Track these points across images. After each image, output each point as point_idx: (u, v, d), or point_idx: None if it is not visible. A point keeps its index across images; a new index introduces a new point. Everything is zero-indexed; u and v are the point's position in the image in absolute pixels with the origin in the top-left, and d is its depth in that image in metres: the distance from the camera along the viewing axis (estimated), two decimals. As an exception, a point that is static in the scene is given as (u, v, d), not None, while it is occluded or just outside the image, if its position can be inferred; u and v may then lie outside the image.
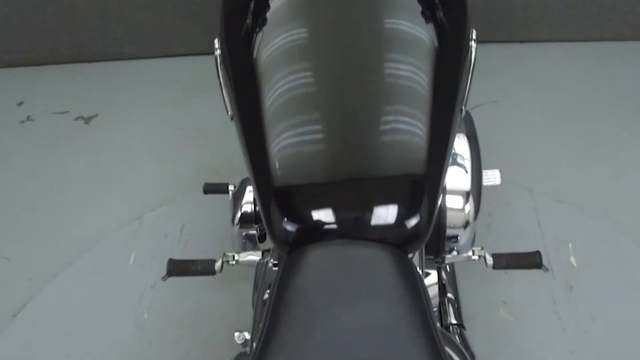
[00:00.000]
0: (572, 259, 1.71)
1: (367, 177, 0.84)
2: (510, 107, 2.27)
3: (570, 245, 1.75)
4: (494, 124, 2.15)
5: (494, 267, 1.20)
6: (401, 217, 0.80)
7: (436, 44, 0.98)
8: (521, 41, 2.63)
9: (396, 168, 0.84)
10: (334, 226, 0.79)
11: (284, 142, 0.86)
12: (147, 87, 2.51)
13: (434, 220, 0.83)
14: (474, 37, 1.01)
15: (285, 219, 0.80)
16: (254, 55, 0.98)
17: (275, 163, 0.84)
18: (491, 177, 1.27)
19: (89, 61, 2.64)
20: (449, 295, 1.33)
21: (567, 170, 1.99)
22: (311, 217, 0.80)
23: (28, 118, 2.37)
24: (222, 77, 1.01)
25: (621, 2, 2.51)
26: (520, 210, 1.86)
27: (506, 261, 1.21)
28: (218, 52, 1.03)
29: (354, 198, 0.81)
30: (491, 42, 2.55)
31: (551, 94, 2.32)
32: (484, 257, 1.20)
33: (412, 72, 0.94)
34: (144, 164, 2.10)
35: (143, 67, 2.62)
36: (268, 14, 1.03)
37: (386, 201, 0.81)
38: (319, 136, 0.87)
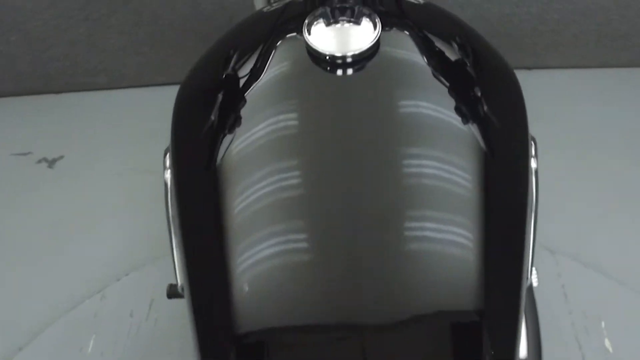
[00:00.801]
0: (607, 342, 1.40)
1: None
2: (521, 145, 1.94)
3: (603, 324, 1.44)
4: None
5: None
6: None
7: (481, 153, 0.66)
8: (529, 68, 2.32)
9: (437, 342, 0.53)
10: None
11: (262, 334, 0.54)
12: (121, 121, 2.17)
13: None
14: (534, 152, 0.69)
15: None
16: (220, 174, 0.65)
17: None
18: None
19: (57, 92, 2.30)
20: None
21: (590, 226, 1.67)
22: None
23: (-16, 160, 2.03)
24: (172, 217, 0.68)
25: (636, 28, 2.21)
26: (543, 277, 1.53)
27: None
28: (168, 174, 0.70)
29: None
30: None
31: (565, 129, 2.00)
32: None
33: (451, 184, 0.62)
34: (112, 218, 1.77)
35: (117, 98, 2.29)
36: (243, 110, 0.69)
37: None
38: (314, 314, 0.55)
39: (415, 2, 0.83)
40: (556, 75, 2.26)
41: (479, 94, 0.69)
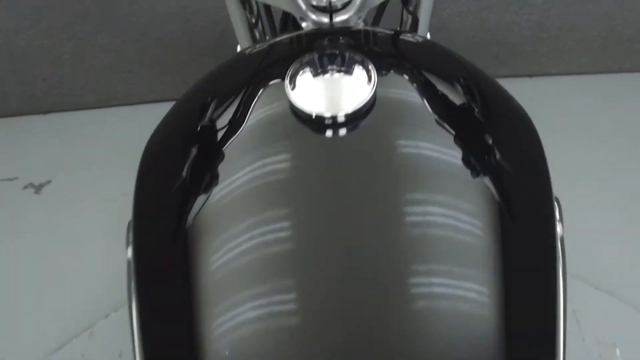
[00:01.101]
0: (623, 372, 1.32)
1: None
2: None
3: (618, 352, 1.35)
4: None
5: None
6: None
7: (500, 214, 0.56)
8: (529, 75, 2.23)
9: None
10: None
11: None
12: (110, 141, 2.08)
13: None
14: (557, 215, 0.60)
15: None
16: (190, 247, 0.56)
17: None
18: None
19: (45, 112, 2.22)
20: None
21: (602, 246, 1.58)
22: None
23: (-30, 187, 1.95)
24: (134, 301, 0.58)
25: (640, 32, 2.13)
26: (552, 302, 1.46)
27: None
28: (130, 252, 0.60)
29: None
30: (495, 77, 2.13)
31: (569, 138, 1.91)
32: None
33: (467, 245, 0.54)
34: (100, 249, 1.68)
35: (105, 117, 2.20)
36: (220, 166, 0.59)
37: None
38: None
39: (414, 40, 0.74)
40: (558, 82, 2.18)
41: (491, 143, 0.60)
